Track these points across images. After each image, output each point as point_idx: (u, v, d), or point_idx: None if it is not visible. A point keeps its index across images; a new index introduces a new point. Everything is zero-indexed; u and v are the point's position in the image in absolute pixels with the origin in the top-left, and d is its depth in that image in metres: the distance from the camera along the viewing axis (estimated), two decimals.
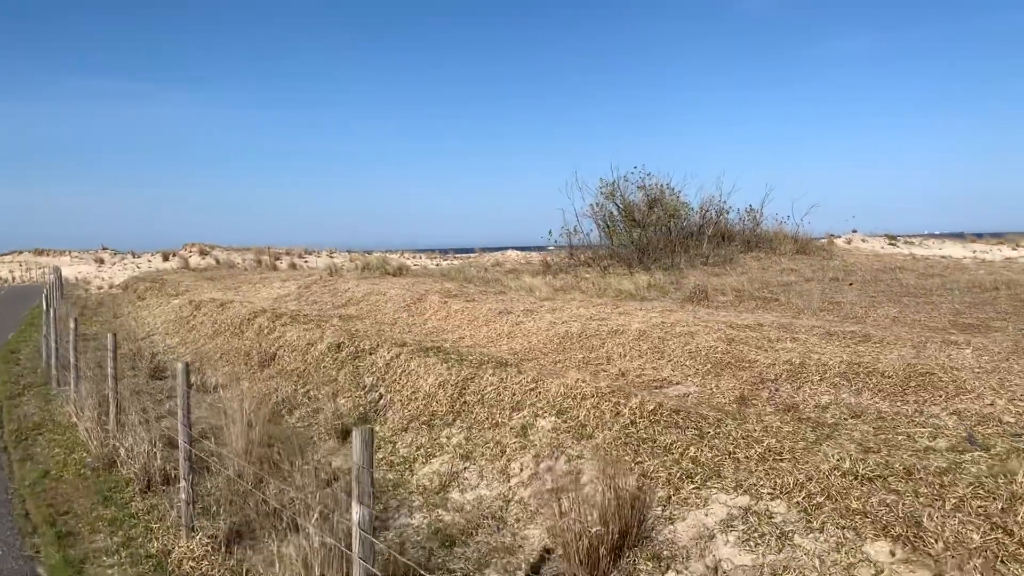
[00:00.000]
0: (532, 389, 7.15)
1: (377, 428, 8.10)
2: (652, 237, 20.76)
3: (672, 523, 4.86)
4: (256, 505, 5.87)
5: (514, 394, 7.23)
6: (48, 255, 62.84)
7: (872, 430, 5.66)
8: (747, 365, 7.70)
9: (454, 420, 7.40)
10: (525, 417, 6.76)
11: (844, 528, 4.28)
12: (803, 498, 4.64)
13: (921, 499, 4.36)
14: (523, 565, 5.01)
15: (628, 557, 4.67)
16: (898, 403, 6.24)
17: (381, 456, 7.30)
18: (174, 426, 9.12)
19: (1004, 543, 3.90)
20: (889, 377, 6.72)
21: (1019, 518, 4.04)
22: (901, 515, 4.23)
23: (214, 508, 6.12)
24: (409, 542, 5.50)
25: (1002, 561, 3.79)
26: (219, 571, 5.17)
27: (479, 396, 7.52)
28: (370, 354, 9.91)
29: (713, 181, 40.97)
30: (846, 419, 6.04)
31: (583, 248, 22.23)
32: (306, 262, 41.92)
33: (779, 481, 4.87)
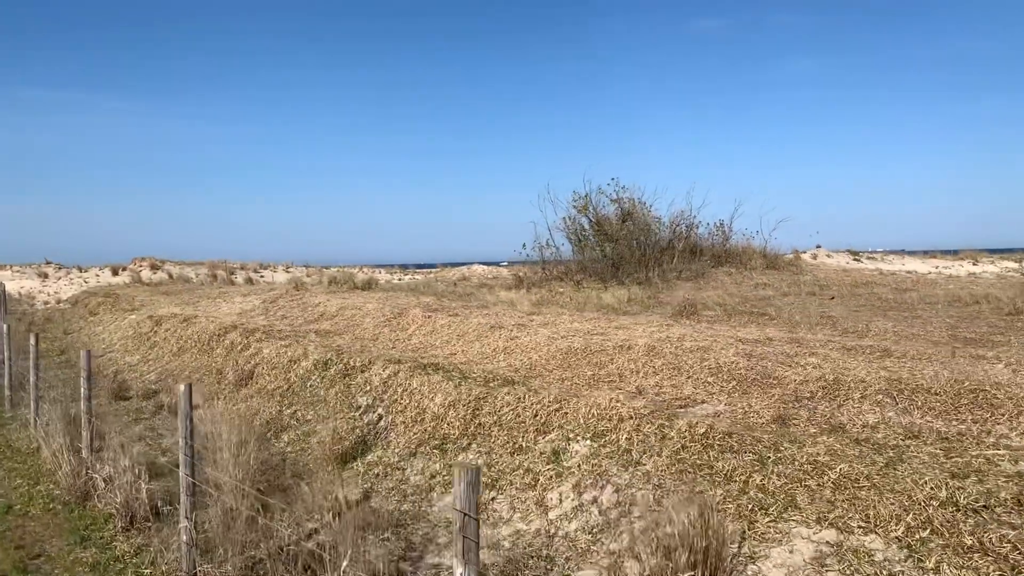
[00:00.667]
0: (557, 409, 6.53)
1: (379, 453, 7.38)
2: (624, 251, 20.37)
3: (754, 562, 4.28)
4: (267, 545, 5.12)
5: (536, 415, 6.60)
6: None
7: (940, 452, 5.19)
8: (775, 382, 7.21)
9: (469, 444, 6.74)
10: (554, 441, 6.14)
11: (964, 569, 3.75)
12: (903, 532, 4.11)
13: None
14: None
15: None
16: (954, 423, 5.80)
17: (391, 484, 6.59)
18: (151, 452, 8.27)
19: None
20: (936, 395, 6.28)
21: None
22: None
23: (219, 550, 5.34)
24: None
25: None
26: None
27: (495, 417, 6.88)
28: (362, 372, 9.17)
29: (683, 196, 40.81)
30: (903, 440, 5.56)
31: (555, 262, 21.73)
32: (262, 276, 40.61)
33: (869, 513, 4.34)
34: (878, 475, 4.75)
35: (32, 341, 9.39)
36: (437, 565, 5.11)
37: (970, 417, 5.81)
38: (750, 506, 4.69)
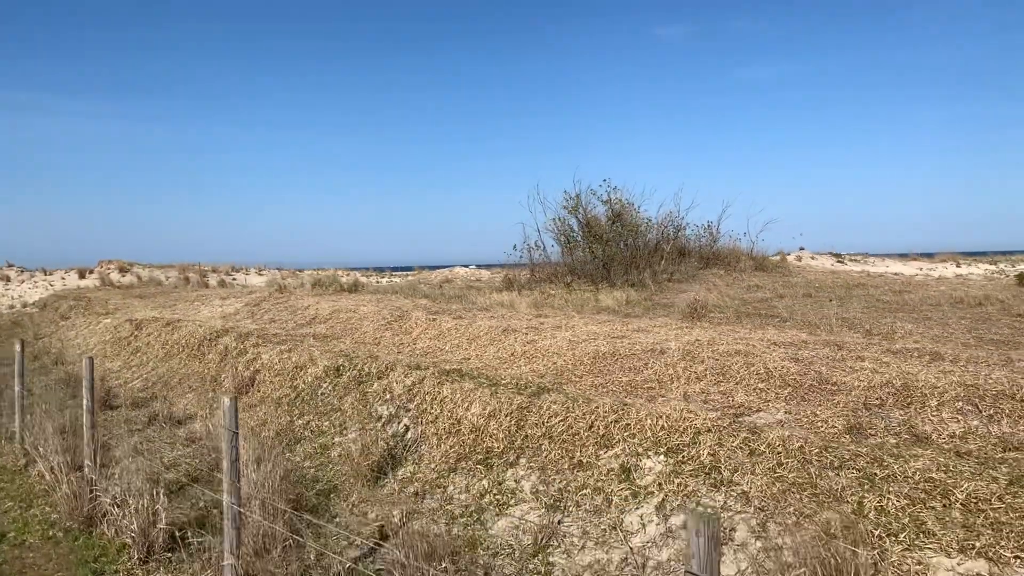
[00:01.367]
0: (616, 421, 5.90)
1: (411, 468, 6.68)
2: (615, 253, 19.84)
3: None
4: None
5: (591, 426, 5.96)
6: None
7: None
8: (834, 388, 6.67)
9: (517, 458, 6.08)
10: (620, 456, 5.50)
11: None
12: None
13: None
14: None
15: None
16: None
17: (434, 504, 5.90)
18: (154, 467, 7.45)
19: None
20: (1022, 401, 5.79)
21: None
22: None
23: None
24: None
25: None
26: None
27: (543, 429, 6.22)
28: (378, 379, 8.45)
29: (671, 197, 40.37)
30: (1003, 453, 5.05)
31: (544, 264, 21.12)
32: (234, 279, 39.40)
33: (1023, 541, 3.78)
34: (1008, 495, 4.21)
35: (17, 347, 8.50)
36: None
37: None
38: (876, 532, 4.11)
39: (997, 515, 4.01)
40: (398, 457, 6.93)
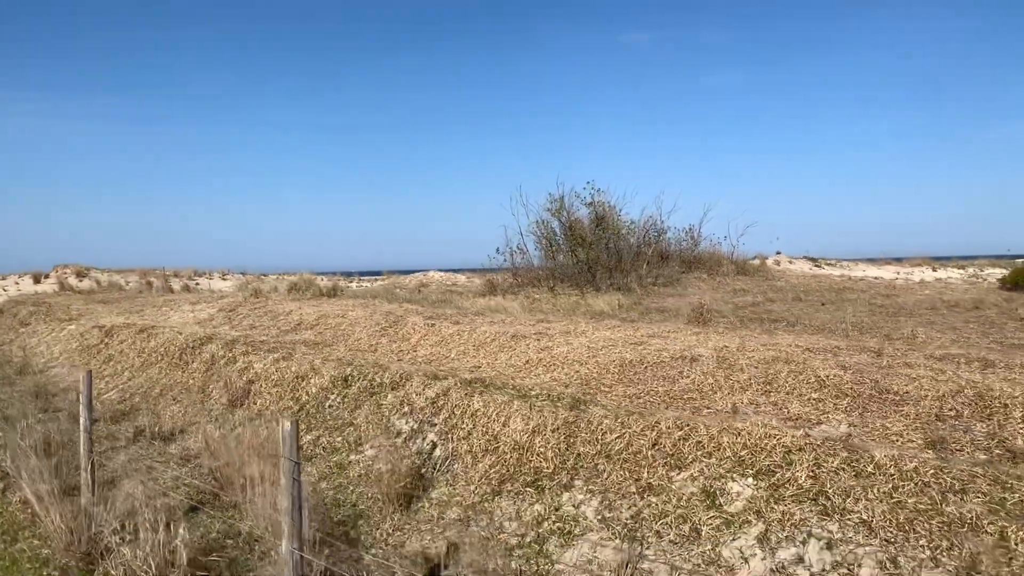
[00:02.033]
0: (684, 438, 5.28)
1: (446, 490, 5.96)
2: (600, 256, 19.31)
3: None
4: None
5: (656, 443, 5.33)
6: None
7: None
8: (897, 398, 6.15)
9: (571, 480, 5.41)
10: (697, 478, 4.88)
11: None
12: None
13: None
14: None
15: None
16: None
17: (483, 532, 5.20)
18: (152, 489, 6.60)
19: None
20: None
21: None
22: None
23: None
24: None
25: None
26: None
27: (598, 447, 5.57)
28: (393, 390, 7.71)
29: (652, 200, 39.98)
30: None
31: (526, 268, 20.49)
32: (198, 284, 37.99)
33: None
34: None
35: None
36: None
37: None
38: None
39: None
40: (428, 477, 6.21)
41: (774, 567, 4.02)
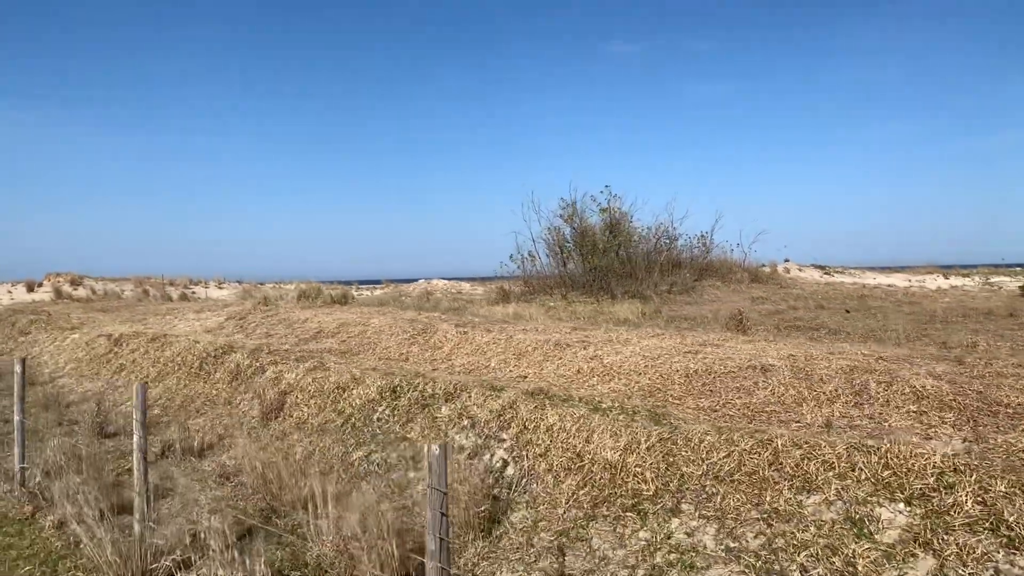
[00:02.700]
0: (807, 456, 4.71)
1: (527, 513, 5.35)
2: (614, 264, 18.79)
3: None
4: None
5: (774, 463, 4.76)
6: None
7: None
8: (1012, 412, 5.63)
9: (678, 503, 4.83)
10: (834, 503, 4.30)
11: None
12: None
13: None
14: None
15: None
16: None
17: (584, 564, 4.59)
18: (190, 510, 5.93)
19: None
20: None
21: None
22: None
23: None
24: None
25: None
26: None
27: (703, 466, 4.99)
28: (447, 401, 7.10)
29: (663, 207, 39.35)
30: None
31: (538, 276, 19.93)
32: (194, 293, 37.09)
33: None
34: None
35: (18, 368, 6.88)
36: None
37: None
38: None
39: None
40: (502, 499, 5.60)
41: None
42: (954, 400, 5.89)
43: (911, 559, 3.76)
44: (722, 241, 25.17)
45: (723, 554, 4.29)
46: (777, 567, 4.03)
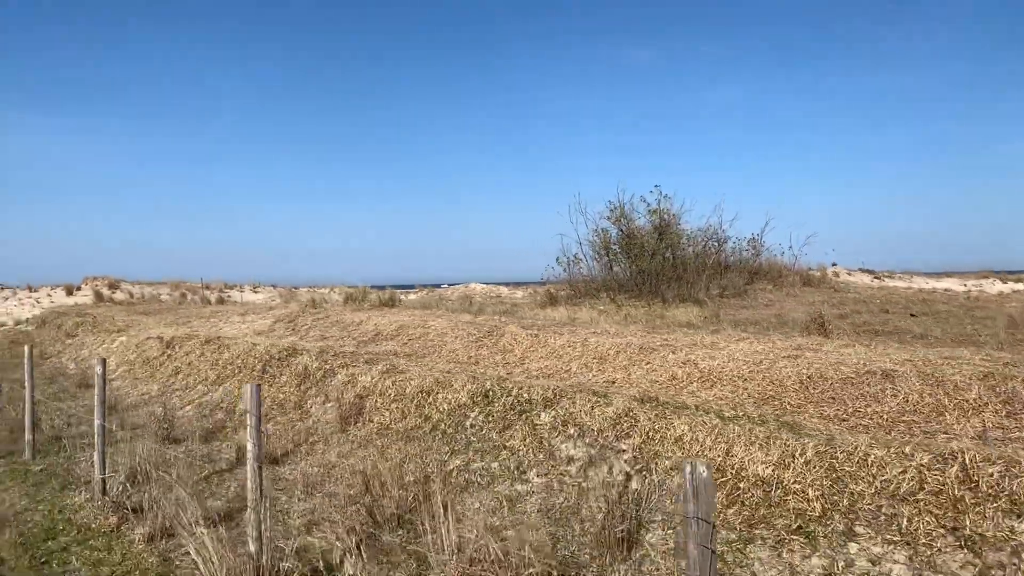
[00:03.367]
0: (1005, 473, 4.09)
1: (663, 533, 4.78)
2: (665, 267, 18.15)
3: None
4: None
5: (966, 481, 4.14)
6: None
7: None
8: None
9: (850, 526, 4.21)
10: None
11: None
12: None
13: None
14: None
15: None
16: None
17: None
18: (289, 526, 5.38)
19: None
20: None
21: None
22: None
23: None
24: None
25: None
26: None
27: (875, 484, 4.37)
28: (547, 408, 6.53)
29: (712, 208, 38.20)
30: None
31: (584, 279, 19.33)
32: (230, 296, 36.82)
33: None
34: None
35: (99, 368, 6.39)
36: None
37: None
38: None
39: None
40: (629, 516, 5.01)
41: None
42: None
43: None
44: (774, 244, 24.36)
45: None
46: None
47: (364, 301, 18.48)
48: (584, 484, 5.54)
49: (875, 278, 21.64)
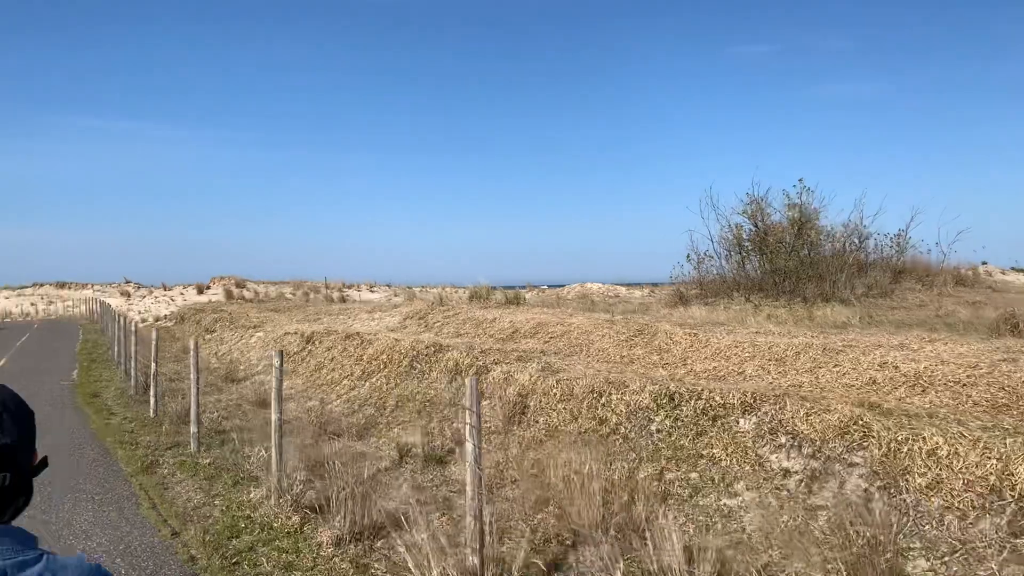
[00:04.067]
0: None
1: (925, 563, 3.99)
2: (806, 265, 16.94)
3: None
4: None
5: None
6: (69, 288, 57.74)
7: None
8: None
9: None
10: None
11: None
12: None
13: None
14: None
15: None
16: None
17: None
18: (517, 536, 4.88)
19: None
20: None
21: None
22: None
23: None
24: None
25: None
26: None
27: None
28: (746, 413, 5.80)
29: (852, 204, 36.04)
30: None
31: (713, 277, 18.32)
32: (349, 295, 37.56)
33: None
34: None
35: (276, 361, 6.13)
36: None
37: None
38: None
39: None
40: (888, 543, 4.23)
41: None
42: None
43: None
44: (922, 239, 22.37)
45: None
46: None
47: (489, 299, 18.13)
48: (810, 501, 4.80)
49: None
